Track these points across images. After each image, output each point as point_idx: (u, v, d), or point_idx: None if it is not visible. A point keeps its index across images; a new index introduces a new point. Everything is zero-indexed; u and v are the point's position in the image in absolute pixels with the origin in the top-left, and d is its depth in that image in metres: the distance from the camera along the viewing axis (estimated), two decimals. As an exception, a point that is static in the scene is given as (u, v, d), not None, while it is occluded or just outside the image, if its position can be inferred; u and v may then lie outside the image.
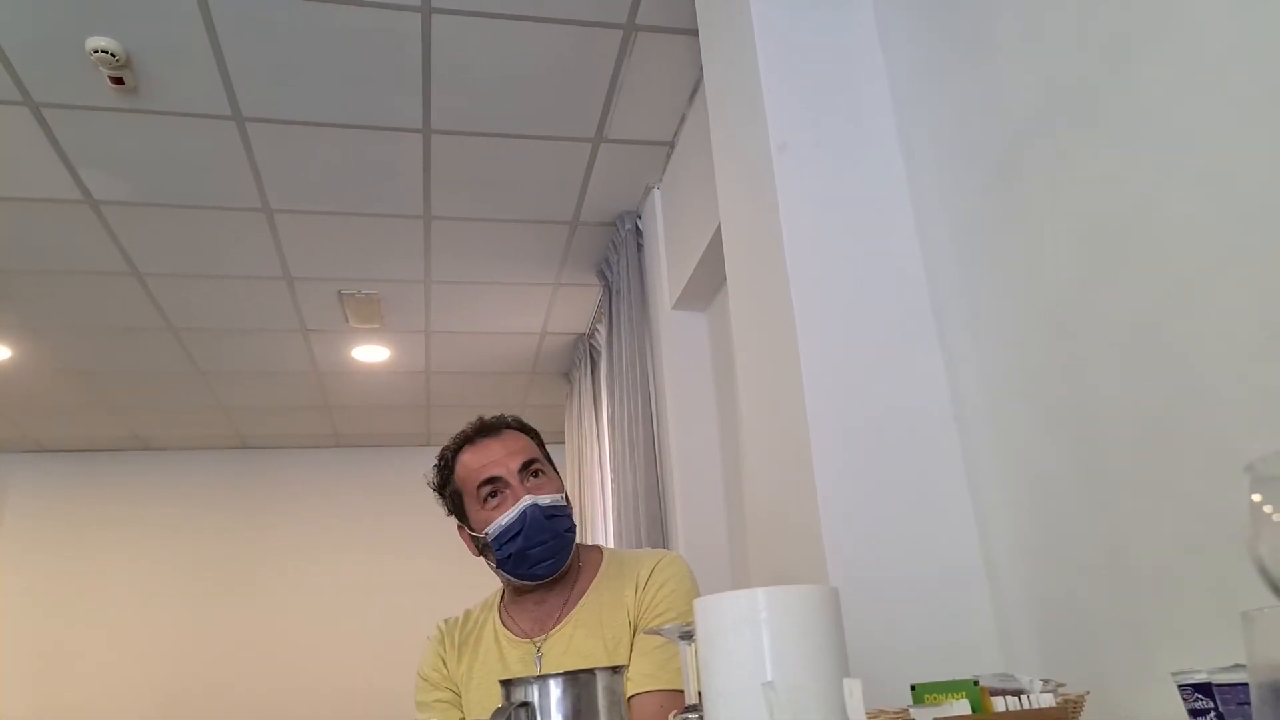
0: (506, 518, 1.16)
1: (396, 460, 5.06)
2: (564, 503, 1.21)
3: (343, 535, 4.98)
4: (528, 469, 1.20)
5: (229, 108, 2.32)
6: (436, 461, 1.27)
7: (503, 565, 1.19)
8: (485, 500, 1.19)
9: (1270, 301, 0.77)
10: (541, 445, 1.27)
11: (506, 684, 0.73)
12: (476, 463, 1.20)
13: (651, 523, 2.59)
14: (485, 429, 1.24)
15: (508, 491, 1.18)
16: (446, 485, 1.25)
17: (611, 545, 2.89)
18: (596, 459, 3.35)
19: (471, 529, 1.21)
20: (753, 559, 1.50)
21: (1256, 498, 0.41)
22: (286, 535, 4.94)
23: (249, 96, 2.28)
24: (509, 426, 1.26)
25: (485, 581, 1.30)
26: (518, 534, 1.16)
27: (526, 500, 1.17)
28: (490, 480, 1.19)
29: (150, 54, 2.11)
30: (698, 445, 2.57)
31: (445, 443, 1.27)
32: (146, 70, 2.16)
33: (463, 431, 1.26)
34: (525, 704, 0.70)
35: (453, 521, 1.26)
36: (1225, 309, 0.81)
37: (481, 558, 1.25)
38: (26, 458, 4.83)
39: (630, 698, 1.11)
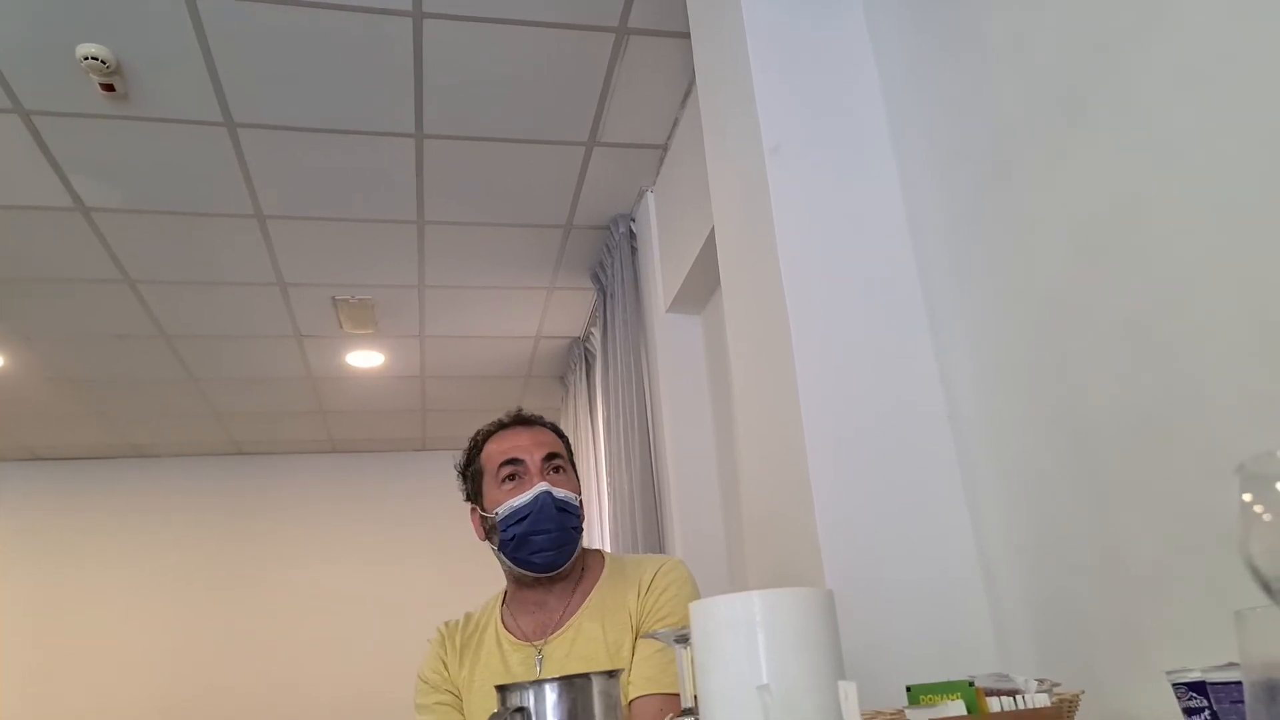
0: (519, 500, 1.19)
1: (392, 465, 5.05)
2: (577, 503, 1.23)
3: (339, 540, 4.96)
4: (550, 461, 1.23)
5: (220, 114, 2.31)
6: (468, 443, 1.30)
7: (504, 547, 1.20)
8: (503, 481, 1.21)
9: (1261, 301, 0.77)
10: (570, 453, 1.30)
11: (502, 689, 0.73)
12: (504, 445, 1.24)
13: (647, 525, 2.59)
14: (521, 420, 1.28)
15: (526, 476, 1.21)
16: (471, 464, 1.27)
17: (608, 548, 2.89)
18: (592, 462, 3.35)
19: (484, 509, 1.23)
20: (749, 561, 1.50)
21: (1247, 497, 0.42)
22: (282, 541, 4.92)
23: (240, 102, 2.28)
24: (544, 424, 1.29)
25: (482, 585, 1.30)
26: (526, 517, 1.18)
27: (542, 486, 1.19)
28: (512, 461, 1.22)
29: (141, 61, 2.11)
30: (693, 448, 2.57)
31: (442, 448, 1.29)
32: (137, 77, 2.15)
33: (498, 419, 1.29)
34: (521, 709, 0.69)
35: (460, 521, 1.28)
36: (1217, 308, 0.81)
37: (486, 543, 1.26)
38: (20, 466, 4.81)
39: (631, 701, 1.11)
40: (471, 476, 1.27)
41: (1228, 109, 0.80)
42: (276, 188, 2.65)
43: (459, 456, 1.30)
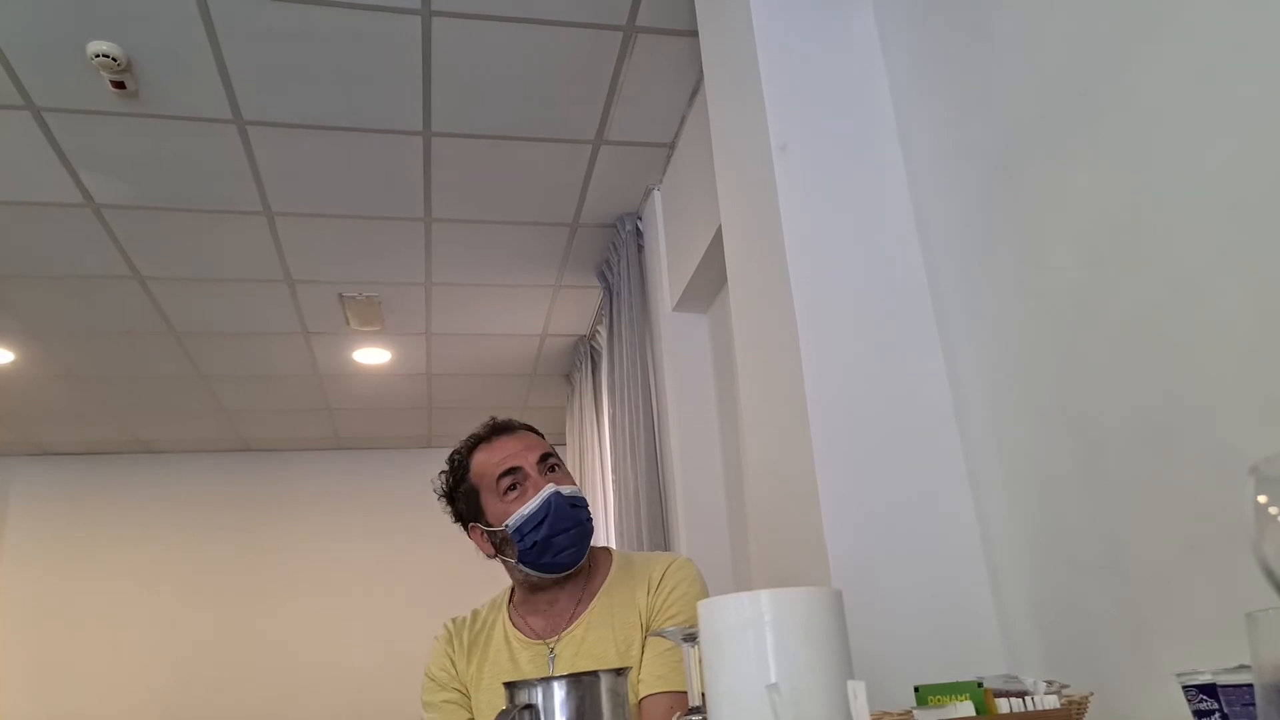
0: (529, 507, 1.16)
1: (398, 462, 5.06)
2: (582, 495, 1.22)
3: (344, 536, 4.98)
4: (545, 462, 1.21)
5: (230, 111, 2.32)
6: (445, 466, 1.26)
7: (524, 557, 1.18)
8: (505, 492, 1.19)
9: (1272, 299, 0.77)
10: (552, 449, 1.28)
11: (511, 686, 0.73)
12: (495, 456, 1.21)
13: (653, 524, 2.59)
14: (499, 428, 1.25)
15: (528, 483, 1.19)
16: (460, 485, 1.24)
17: (613, 546, 2.90)
18: (598, 460, 3.35)
19: (489, 524, 1.20)
20: (755, 560, 1.50)
21: (1262, 499, 0.41)
22: (288, 537, 4.94)
23: (249, 100, 2.29)
24: (524, 428, 1.27)
25: (490, 582, 1.30)
26: (542, 521, 1.16)
27: (549, 488, 1.18)
28: (511, 471, 1.19)
29: (151, 58, 2.12)
30: (699, 446, 2.57)
31: (448, 445, 1.27)
32: (147, 74, 2.16)
33: (474, 434, 1.26)
34: (529, 706, 0.70)
35: (457, 529, 1.26)
36: (1225, 306, 0.81)
37: (497, 558, 1.24)
38: (29, 461, 4.84)
39: (641, 699, 1.11)
40: (464, 496, 1.23)
41: (1238, 107, 0.80)
42: (285, 185, 2.66)
43: (437, 482, 1.26)
